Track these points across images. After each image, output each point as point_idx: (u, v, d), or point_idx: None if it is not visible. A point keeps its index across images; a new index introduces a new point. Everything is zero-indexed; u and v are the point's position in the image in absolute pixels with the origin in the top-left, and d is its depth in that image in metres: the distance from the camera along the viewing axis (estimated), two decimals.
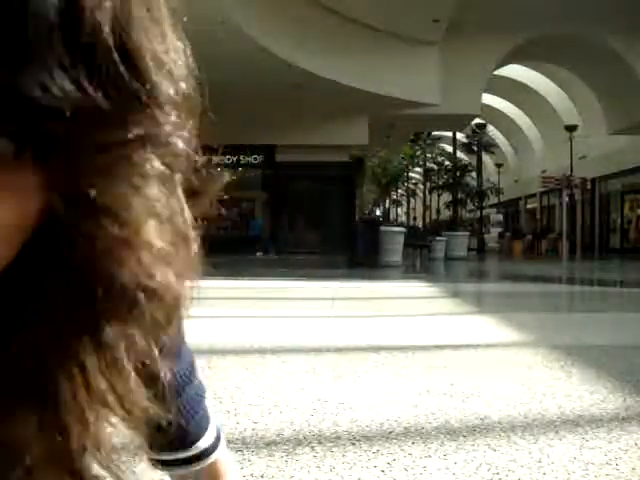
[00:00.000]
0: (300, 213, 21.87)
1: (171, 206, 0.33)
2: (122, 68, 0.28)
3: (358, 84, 17.17)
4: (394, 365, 3.90)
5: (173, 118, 0.31)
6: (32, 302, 0.32)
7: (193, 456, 0.74)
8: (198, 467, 0.74)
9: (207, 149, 0.39)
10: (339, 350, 4.45)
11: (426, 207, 42.70)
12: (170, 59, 0.31)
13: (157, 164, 0.31)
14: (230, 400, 3.08)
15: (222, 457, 0.78)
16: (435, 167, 43.31)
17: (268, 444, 2.50)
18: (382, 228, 15.29)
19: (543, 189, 32.68)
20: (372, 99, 18.14)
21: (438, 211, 45.66)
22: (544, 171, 31.50)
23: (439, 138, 41.17)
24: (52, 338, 0.32)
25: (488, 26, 19.11)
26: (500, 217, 40.34)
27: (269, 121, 17.61)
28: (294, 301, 7.62)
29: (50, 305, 0.32)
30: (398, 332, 5.25)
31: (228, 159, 17.55)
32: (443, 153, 42.98)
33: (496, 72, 23.35)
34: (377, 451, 2.43)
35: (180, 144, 0.32)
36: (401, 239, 15.02)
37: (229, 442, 2.67)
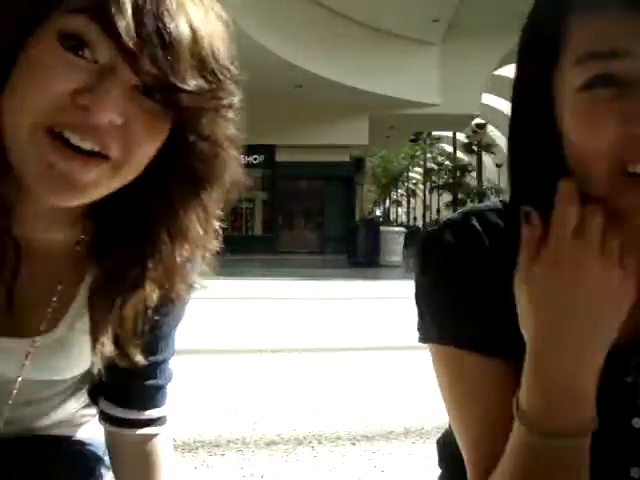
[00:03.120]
0: (300, 213, 21.86)
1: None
2: (218, 70, 0.60)
3: (358, 84, 17.16)
4: (396, 365, 3.90)
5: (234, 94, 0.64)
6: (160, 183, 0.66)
7: (142, 420, 0.82)
8: (141, 432, 0.82)
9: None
10: (339, 350, 4.45)
11: (426, 207, 42.68)
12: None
13: (229, 114, 0.64)
14: (230, 400, 3.08)
15: (164, 440, 0.85)
16: (435, 167, 43.30)
17: (268, 444, 2.50)
18: (382, 228, 15.27)
19: None
20: (372, 99, 18.14)
21: (438, 211, 45.64)
22: None
23: (439, 138, 41.12)
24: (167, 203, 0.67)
25: (488, 26, 19.09)
26: None
27: (269, 121, 17.59)
28: (294, 301, 7.62)
29: (170, 184, 0.66)
30: (399, 332, 5.25)
31: None
32: (443, 153, 42.98)
33: (496, 72, 23.35)
34: (377, 451, 2.43)
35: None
36: (401, 239, 15.00)
37: (229, 442, 2.67)
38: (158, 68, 0.55)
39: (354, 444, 2.50)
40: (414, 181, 53.76)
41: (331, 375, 3.67)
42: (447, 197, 40.64)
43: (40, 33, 0.57)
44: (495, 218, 0.68)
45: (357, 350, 4.46)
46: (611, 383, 0.61)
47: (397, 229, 16.09)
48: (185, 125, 0.61)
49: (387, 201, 46.00)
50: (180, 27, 0.56)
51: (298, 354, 4.29)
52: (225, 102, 0.62)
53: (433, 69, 19.41)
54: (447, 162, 40.28)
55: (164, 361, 0.82)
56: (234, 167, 0.68)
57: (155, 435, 0.83)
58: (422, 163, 41.27)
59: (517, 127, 0.67)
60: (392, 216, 49.39)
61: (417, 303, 0.71)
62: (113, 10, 0.53)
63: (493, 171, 42.56)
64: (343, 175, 21.06)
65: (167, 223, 0.67)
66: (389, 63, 17.99)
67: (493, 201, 0.73)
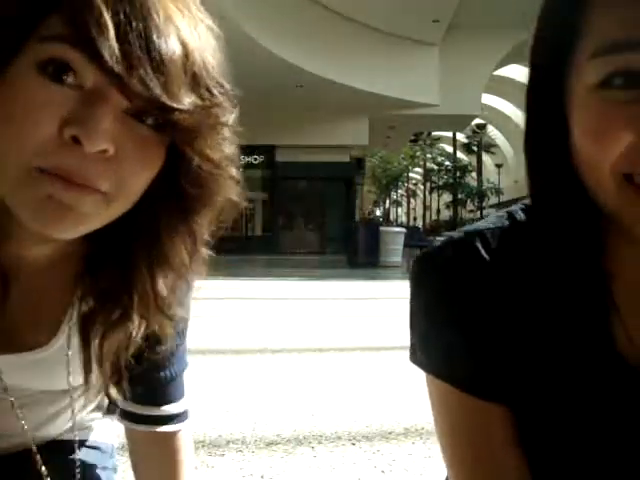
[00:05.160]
0: (300, 213, 21.85)
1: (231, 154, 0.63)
2: (212, 85, 0.57)
3: (358, 84, 17.16)
4: (396, 365, 3.90)
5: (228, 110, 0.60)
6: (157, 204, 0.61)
7: (160, 417, 0.80)
8: (159, 430, 0.80)
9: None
10: (339, 350, 4.45)
11: (426, 207, 42.66)
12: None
13: (226, 133, 0.60)
14: (230, 400, 3.08)
15: (184, 435, 0.83)
16: (435, 167, 43.28)
17: (268, 444, 2.50)
18: (382, 228, 15.26)
19: None
20: (372, 99, 18.13)
21: (438, 211, 45.63)
22: None
23: (439, 138, 41.12)
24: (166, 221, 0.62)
25: (488, 26, 19.10)
26: None
27: (269, 121, 17.59)
28: (295, 301, 7.62)
29: (165, 207, 0.61)
30: (399, 332, 5.24)
31: None
32: (443, 153, 42.94)
33: (496, 72, 23.35)
34: (377, 451, 2.43)
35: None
36: (401, 239, 14.99)
37: (229, 442, 2.68)
38: (149, 89, 0.51)
39: (354, 444, 2.50)
40: (414, 181, 53.73)
41: (331, 375, 3.67)
42: (447, 197, 40.63)
43: (15, 66, 0.52)
44: (498, 239, 0.61)
45: (357, 350, 4.46)
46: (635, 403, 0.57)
47: (397, 229, 16.07)
48: (179, 147, 0.58)
49: (387, 201, 45.97)
50: (170, 43, 0.53)
51: (298, 354, 4.29)
52: (221, 119, 0.59)
53: (433, 69, 19.40)
54: (447, 162, 40.26)
55: (172, 354, 0.79)
56: (230, 188, 0.63)
57: (175, 432, 0.82)
58: (422, 163, 41.26)
59: (532, 133, 0.59)
60: (392, 216, 49.38)
61: (410, 324, 0.67)
62: (94, 32, 0.49)
63: (493, 171, 42.56)
64: (343, 175, 21.06)
65: (149, 250, 0.63)
66: (389, 63, 17.99)
67: (497, 215, 0.66)
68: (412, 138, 32.01)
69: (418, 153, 38.77)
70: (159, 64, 0.52)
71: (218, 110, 0.58)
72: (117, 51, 0.49)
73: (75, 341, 0.70)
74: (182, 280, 0.68)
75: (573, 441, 0.60)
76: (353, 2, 16.01)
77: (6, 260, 0.64)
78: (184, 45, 0.54)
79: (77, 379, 0.74)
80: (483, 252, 0.60)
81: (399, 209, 61.01)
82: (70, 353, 0.72)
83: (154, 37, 0.52)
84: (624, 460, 0.59)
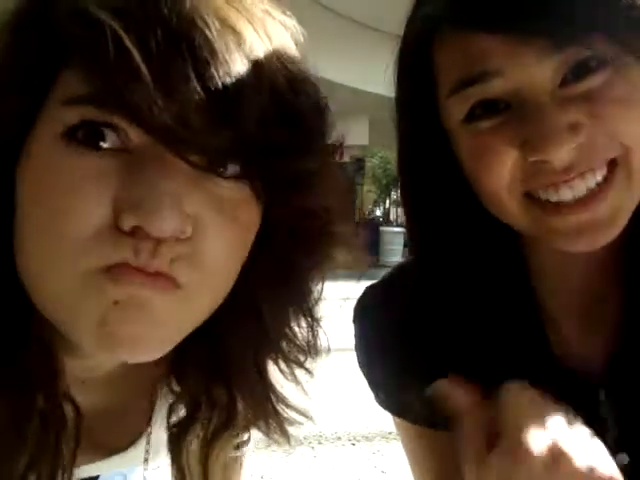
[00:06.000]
0: None
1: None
2: (305, 107, 0.43)
3: (358, 84, 17.16)
4: None
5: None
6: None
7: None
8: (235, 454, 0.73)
9: None
10: (339, 350, 4.45)
11: None
12: None
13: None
14: None
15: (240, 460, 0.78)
16: None
17: (268, 444, 2.50)
18: (382, 228, 15.28)
19: None
20: (372, 99, 18.11)
21: None
22: None
23: None
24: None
25: None
26: None
27: None
28: None
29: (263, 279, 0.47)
30: None
31: None
32: None
33: None
34: (377, 451, 2.43)
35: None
36: (401, 239, 14.99)
37: None
38: (217, 135, 0.37)
39: (354, 444, 2.50)
40: None
41: (331, 375, 3.67)
42: None
43: (36, 143, 0.39)
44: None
45: None
46: (587, 418, 0.59)
47: (397, 229, 16.08)
48: (272, 201, 0.43)
49: (387, 201, 46.06)
50: (235, 65, 0.37)
51: None
52: (326, 150, 0.44)
53: None
54: None
55: None
56: (348, 241, 0.49)
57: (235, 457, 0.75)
58: None
59: (413, 169, 0.59)
60: (392, 216, 49.52)
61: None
62: (120, 82, 0.35)
63: None
64: (343, 175, 21.03)
65: (250, 334, 0.49)
66: (389, 63, 17.98)
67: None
68: None
69: None
70: (225, 98, 0.36)
71: (319, 139, 0.43)
72: (159, 100, 0.35)
73: (154, 438, 0.58)
74: (301, 370, 0.55)
75: None
76: (354, 2, 16.01)
77: (72, 379, 0.48)
78: (256, 63, 0.39)
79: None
80: (401, 292, 0.62)
81: (399, 209, 60.99)
82: (150, 454, 0.59)
83: (208, 60, 0.36)
84: None
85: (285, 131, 0.39)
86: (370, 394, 0.71)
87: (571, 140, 0.46)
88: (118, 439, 0.57)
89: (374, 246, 14.72)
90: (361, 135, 20.66)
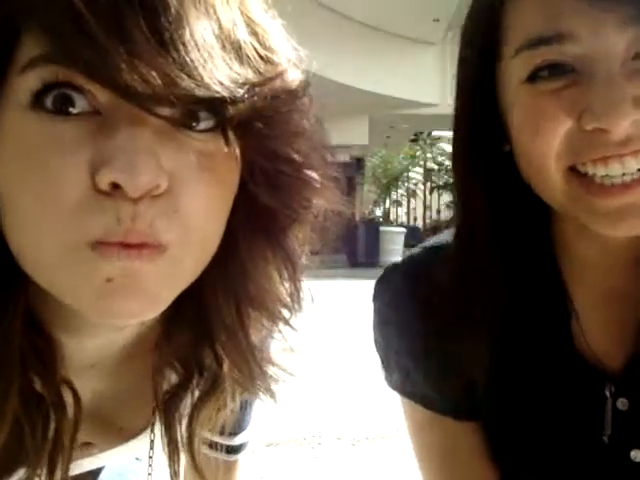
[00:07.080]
0: None
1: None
2: (271, 55, 0.45)
3: (358, 84, 17.15)
4: None
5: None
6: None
7: (229, 447, 0.74)
8: (229, 459, 0.74)
9: None
10: (339, 350, 4.44)
11: (426, 207, 42.66)
12: None
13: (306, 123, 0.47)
14: None
15: (242, 462, 0.77)
16: (435, 167, 43.28)
17: (268, 444, 2.49)
18: (382, 228, 15.27)
19: None
20: (372, 99, 18.12)
21: (439, 211, 45.59)
22: None
23: (439, 138, 41.11)
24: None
25: None
26: None
27: None
28: None
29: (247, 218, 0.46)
30: None
31: None
32: (443, 153, 42.95)
33: None
34: (377, 451, 2.43)
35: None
36: (401, 240, 14.99)
37: None
38: (176, 85, 0.36)
39: (354, 444, 2.50)
40: (414, 181, 53.73)
41: (331, 375, 3.67)
42: (447, 197, 40.58)
43: (4, 113, 0.39)
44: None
45: (357, 350, 4.46)
46: (588, 412, 0.57)
47: (397, 229, 16.08)
48: (245, 148, 0.44)
49: (387, 201, 45.96)
50: (189, 13, 0.38)
51: (297, 354, 4.28)
52: (292, 90, 0.45)
53: (433, 69, 19.39)
54: (447, 162, 40.23)
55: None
56: (324, 192, 0.49)
57: (233, 462, 0.76)
58: (422, 163, 41.27)
59: (463, 131, 0.58)
60: (392, 216, 49.40)
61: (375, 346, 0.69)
62: (76, 39, 0.35)
63: None
64: (343, 175, 21.02)
65: (232, 288, 0.49)
66: (389, 63, 17.98)
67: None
68: (412, 138, 31.99)
69: (418, 153, 38.84)
70: (180, 46, 0.37)
71: (284, 81, 0.44)
72: (111, 51, 0.35)
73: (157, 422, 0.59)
74: (280, 321, 0.55)
75: (538, 445, 0.60)
76: (354, 1, 16.01)
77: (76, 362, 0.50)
78: (210, 8, 0.40)
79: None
80: (438, 269, 0.60)
81: (399, 209, 61.00)
82: (153, 437, 0.60)
83: (164, 11, 0.37)
84: (585, 459, 0.59)
85: (249, 71, 0.40)
86: (372, 392, 0.71)
87: (634, 113, 0.46)
88: (132, 423, 0.58)
89: (374, 246, 14.73)
90: (361, 135, 20.64)
